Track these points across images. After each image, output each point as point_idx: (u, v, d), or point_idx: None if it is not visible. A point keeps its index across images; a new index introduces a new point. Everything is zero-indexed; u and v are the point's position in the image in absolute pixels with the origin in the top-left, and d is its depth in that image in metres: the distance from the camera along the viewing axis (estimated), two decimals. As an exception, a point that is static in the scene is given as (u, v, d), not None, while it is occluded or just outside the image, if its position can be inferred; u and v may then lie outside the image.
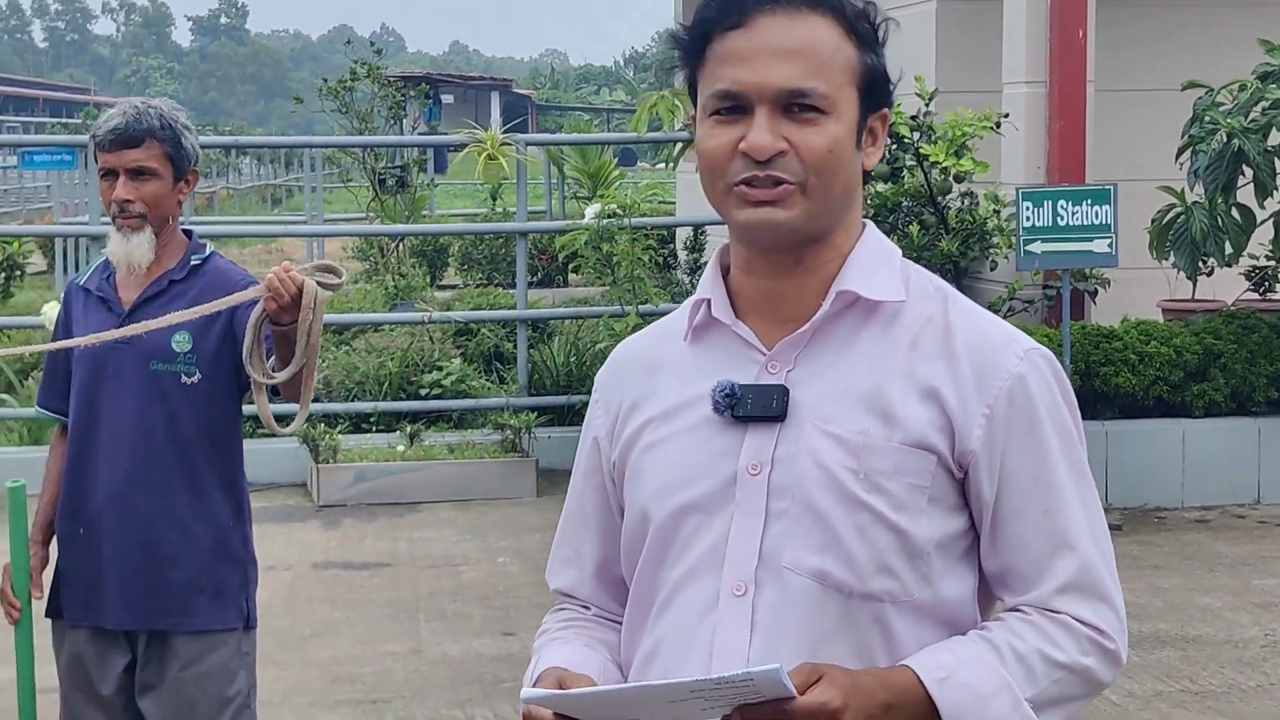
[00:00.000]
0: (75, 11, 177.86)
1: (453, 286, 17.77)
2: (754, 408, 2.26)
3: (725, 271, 2.37)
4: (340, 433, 10.60)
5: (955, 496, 2.27)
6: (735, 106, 2.23)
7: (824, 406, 2.25)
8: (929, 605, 2.25)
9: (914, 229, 10.07)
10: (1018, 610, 2.28)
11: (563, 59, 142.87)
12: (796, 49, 2.22)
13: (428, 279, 17.80)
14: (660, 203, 17.57)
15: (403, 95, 16.89)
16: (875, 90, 2.28)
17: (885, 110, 2.32)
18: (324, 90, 15.15)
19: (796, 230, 2.25)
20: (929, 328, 2.29)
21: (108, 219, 4.47)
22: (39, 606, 4.45)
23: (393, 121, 15.90)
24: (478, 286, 15.78)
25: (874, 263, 2.32)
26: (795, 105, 2.21)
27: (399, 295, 13.51)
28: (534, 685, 2.28)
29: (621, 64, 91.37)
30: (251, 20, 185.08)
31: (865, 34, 2.27)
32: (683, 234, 15.49)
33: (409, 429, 10.69)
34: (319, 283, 4.13)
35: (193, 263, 4.43)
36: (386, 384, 11.26)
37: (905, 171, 10.42)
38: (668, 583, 2.31)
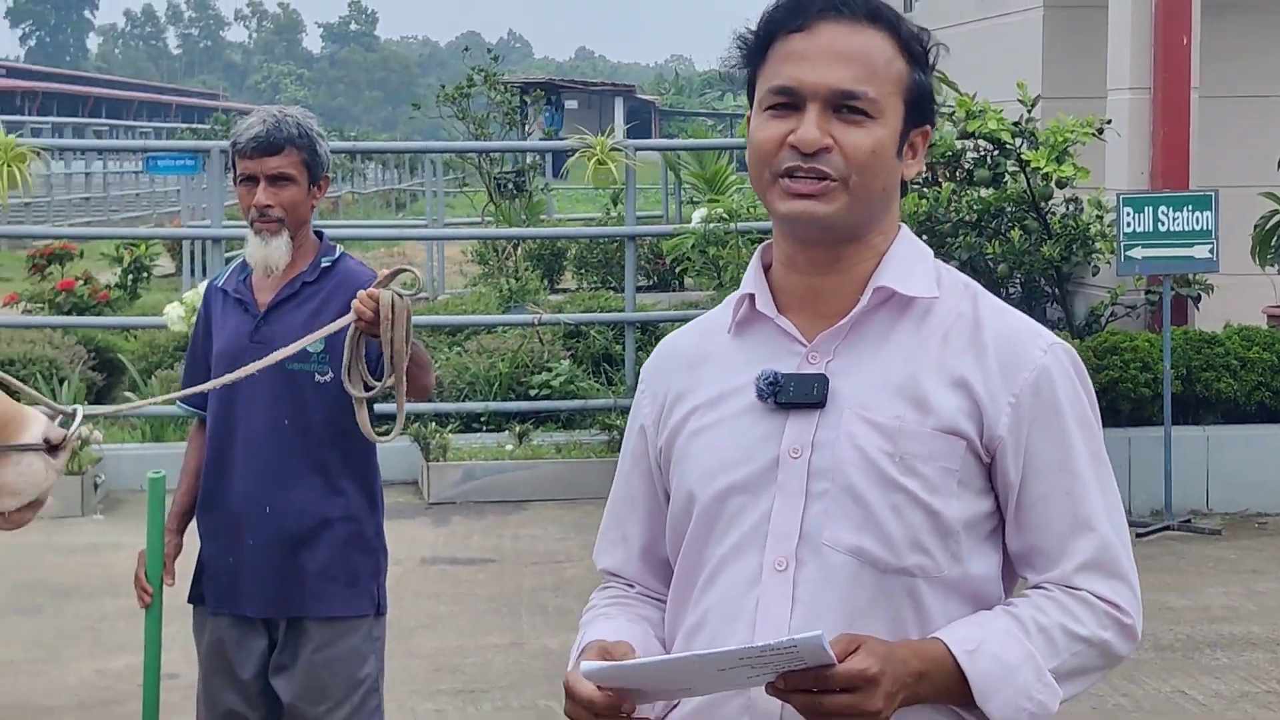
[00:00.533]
0: (208, 18, 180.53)
1: (568, 290, 18.02)
2: (796, 395, 2.41)
3: (767, 268, 2.53)
4: (451, 432, 10.85)
5: (983, 480, 2.41)
6: (789, 103, 2.39)
7: (862, 394, 2.40)
8: (958, 581, 2.40)
9: (1015, 234, 10.16)
10: (1041, 587, 2.42)
11: (688, 64, 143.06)
12: (853, 54, 2.38)
13: (544, 283, 18.06)
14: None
15: (522, 101, 17.14)
16: (920, 106, 2.44)
17: (927, 127, 2.47)
18: (441, 96, 15.43)
19: (835, 225, 2.40)
20: (960, 322, 2.43)
21: (229, 223, 4.69)
22: (169, 593, 4.66)
23: (508, 127, 16.14)
24: (592, 290, 16.01)
25: (909, 262, 2.47)
26: (845, 106, 2.37)
27: (512, 298, 13.75)
28: (579, 658, 2.43)
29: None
30: (381, 27, 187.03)
31: (917, 53, 2.43)
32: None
33: (518, 429, 10.92)
34: (395, 291, 4.36)
35: (323, 265, 4.63)
36: (497, 384, 11.49)
37: (1008, 177, 10.50)
38: (712, 559, 2.45)
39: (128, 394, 11.88)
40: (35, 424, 3.33)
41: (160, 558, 4.62)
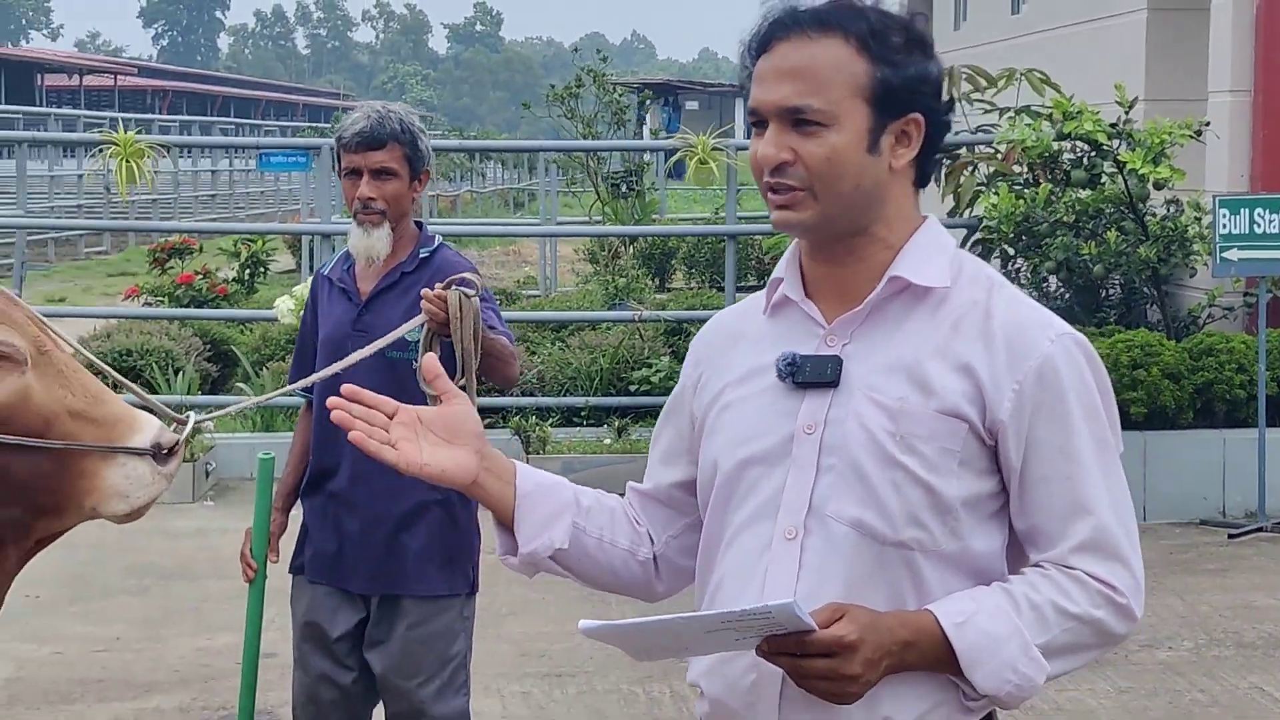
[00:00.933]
0: (336, 19, 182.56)
1: (676, 289, 18.18)
2: (812, 375, 2.57)
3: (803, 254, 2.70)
4: (551, 425, 11.05)
5: (986, 461, 2.54)
6: (760, 121, 2.56)
7: (872, 377, 2.55)
8: (957, 556, 2.53)
9: (1112, 235, 10.19)
10: (1038, 566, 2.54)
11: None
12: (798, 69, 2.52)
13: (654, 281, 18.22)
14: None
15: (639, 101, 17.28)
16: (893, 98, 2.54)
17: (915, 115, 2.57)
18: (551, 97, 15.64)
19: (813, 228, 2.56)
20: (973, 311, 2.56)
21: (339, 218, 4.88)
22: (273, 569, 4.89)
23: (616, 127, 16.32)
24: (699, 289, 16.14)
25: (926, 253, 2.60)
26: (798, 120, 2.52)
27: (618, 295, 13.94)
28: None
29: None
30: (506, 28, 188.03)
31: (878, 50, 2.54)
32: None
33: (617, 423, 11.11)
34: (462, 292, 4.55)
35: (422, 255, 4.82)
36: (598, 380, 11.69)
37: (1105, 178, 10.53)
38: (731, 525, 2.63)
39: (240, 385, 12.19)
40: (147, 429, 3.39)
41: (266, 535, 4.84)
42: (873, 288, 2.58)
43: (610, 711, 6.74)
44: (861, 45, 2.53)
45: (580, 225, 19.39)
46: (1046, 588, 2.50)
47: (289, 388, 4.91)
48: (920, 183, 2.63)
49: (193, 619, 7.95)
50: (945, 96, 2.62)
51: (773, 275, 2.69)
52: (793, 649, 2.39)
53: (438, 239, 4.91)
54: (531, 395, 11.58)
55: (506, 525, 2.73)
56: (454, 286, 4.55)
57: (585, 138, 15.69)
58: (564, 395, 11.64)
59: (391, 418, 2.66)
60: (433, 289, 4.64)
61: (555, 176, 22.14)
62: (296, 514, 4.94)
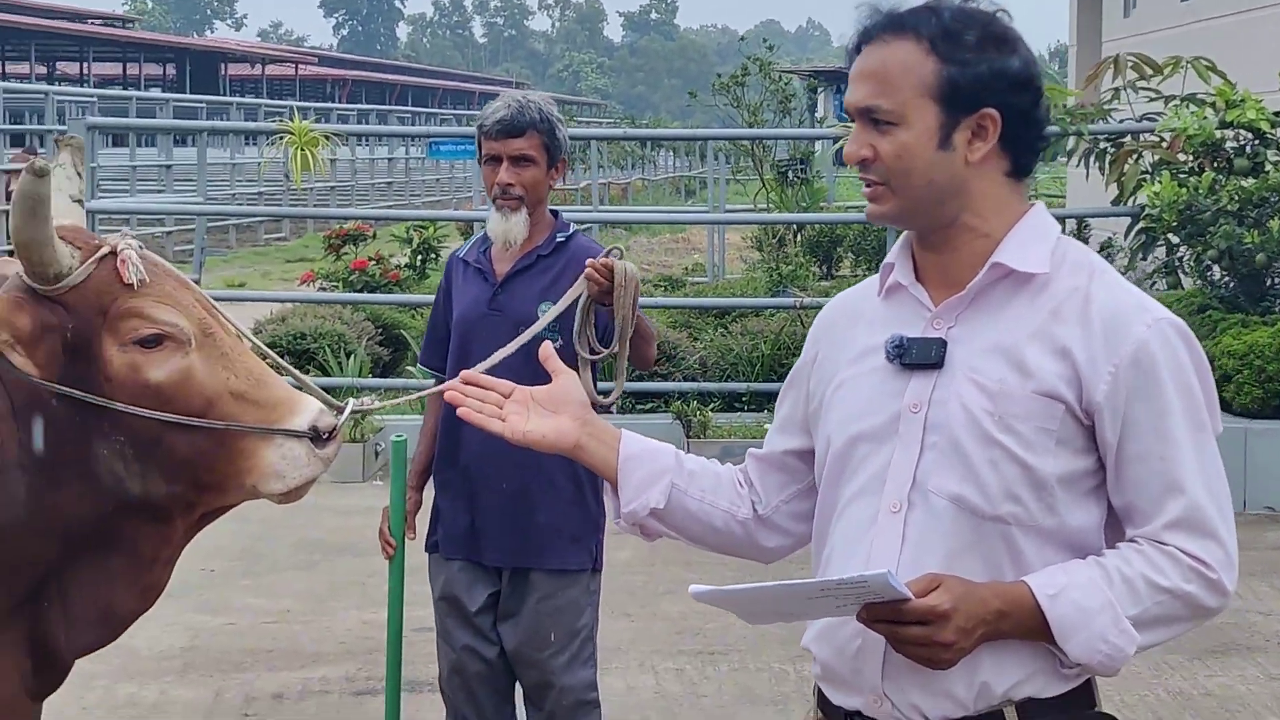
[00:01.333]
0: (513, 8, 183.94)
1: (843, 276, 18.22)
2: (918, 357, 2.71)
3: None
4: (713, 410, 11.19)
5: (1084, 440, 2.65)
6: (853, 120, 2.72)
7: (974, 359, 2.68)
8: (1053, 531, 2.65)
9: (1275, 223, 10.10)
10: (1133, 541, 2.66)
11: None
12: (871, 72, 2.68)
13: (822, 269, 18.27)
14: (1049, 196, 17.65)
15: (809, 88, 17.32)
16: (962, 97, 2.66)
17: (987, 110, 2.66)
18: (717, 85, 15.77)
19: (895, 219, 2.73)
20: (1073, 297, 2.68)
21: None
22: (411, 545, 5.07)
23: (781, 115, 16.41)
24: (865, 276, 16.16)
25: (1028, 240, 2.72)
26: (873, 119, 2.68)
27: (781, 282, 14.05)
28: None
29: (1046, 58, 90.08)
30: (681, 15, 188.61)
31: (946, 50, 2.66)
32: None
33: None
34: (627, 263, 4.72)
35: (558, 240, 4.98)
36: (759, 365, 11.80)
37: (1269, 166, 10.44)
38: (842, 499, 2.78)
39: (410, 369, 12.47)
40: (305, 412, 3.53)
41: (402, 513, 5.03)
42: (975, 274, 2.71)
43: (761, 689, 6.87)
44: (931, 46, 2.66)
45: (746, 212, 19.50)
46: (1139, 562, 2.61)
47: (441, 386, 5.00)
48: (1017, 173, 2.73)
49: (358, 593, 8.21)
50: (1036, 87, 2.70)
51: (885, 260, 2.83)
52: (890, 616, 2.53)
53: (572, 226, 5.06)
54: (693, 380, 11.73)
55: (612, 488, 2.91)
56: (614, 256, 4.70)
57: (750, 126, 15.80)
58: (725, 380, 11.77)
59: (507, 398, 2.90)
60: (567, 273, 4.82)
61: (724, 164, 22.25)
62: (429, 494, 5.12)
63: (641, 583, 8.33)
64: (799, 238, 16.88)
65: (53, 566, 3.45)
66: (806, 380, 2.93)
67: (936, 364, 2.69)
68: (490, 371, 4.83)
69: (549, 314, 4.77)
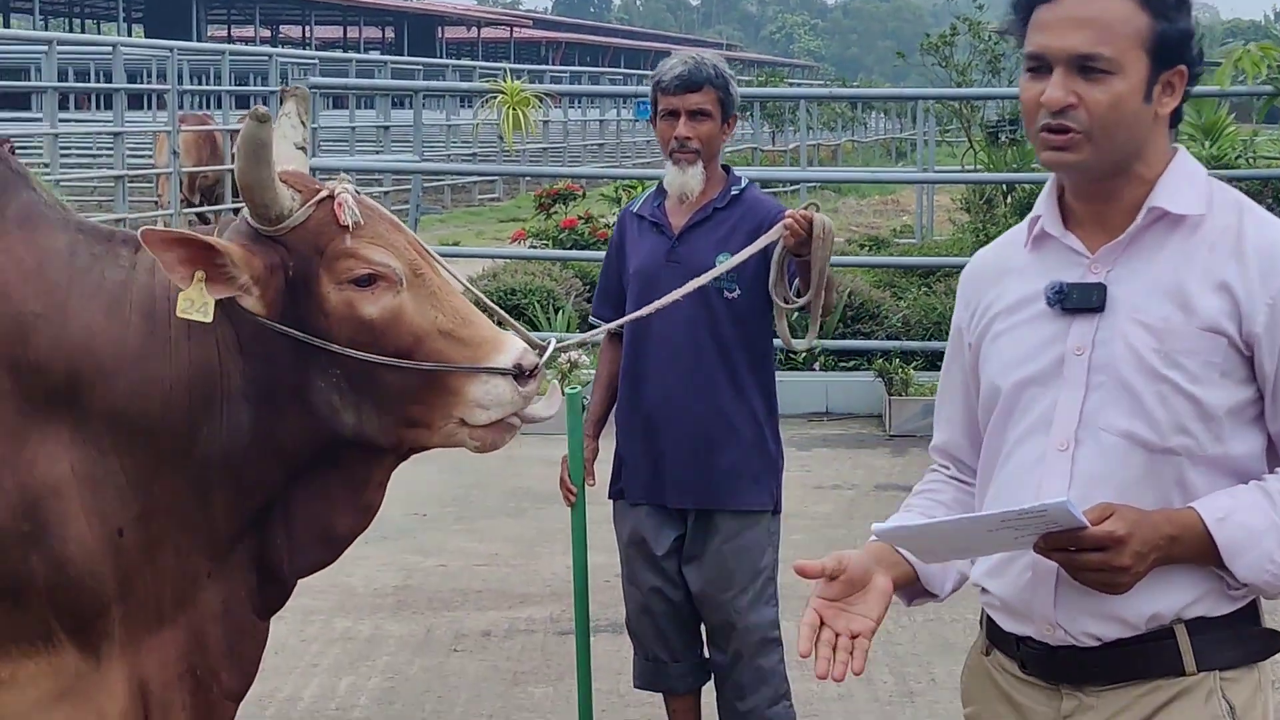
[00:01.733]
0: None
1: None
2: (1079, 301, 2.82)
3: (1062, 191, 2.92)
4: (914, 369, 11.26)
5: (1245, 371, 2.77)
6: (1040, 66, 2.78)
7: (1135, 300, 2.79)
8: (1220, 460, 2.77)
9: None
10: None
11: (1211, 12, 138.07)
12: (1089, 20, 2.74)
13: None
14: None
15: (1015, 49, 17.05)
16: (1167, 51, 2.77)
17: (1181, 67, 2.79)
18: (924, 45, 15.73)
19: (1084, 169, 2.80)
20: (1225, 235, 2.79)
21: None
22: (591, 492, 5.30)
23: (990, 75, 16.31)
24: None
25: (1181, 183, 2.83)
26: (1085, 67, 2.74)
27: (987, 242, 13.99)
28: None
29: (1271, 19, 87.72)
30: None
31: (1156, 5, 2.76)
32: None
33: (979, 367, 11.22)
34: (824, 216, 4.85)
35: (732, 193, 5.12)
36: (963, 324, 11.82)
37: None
38: (1008, 442, 2.90)
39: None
40: (510, 350, 3.66)
41: (581, 461, 5.23)
42: (1131, 219, 2.82)
43: (956, 639, 6.96)
44: (1143, 1, 2.75)
45: (954, 173, 19.42)
46: None
47: (624, 320, 5.02)
48: (1174, 124, 2.85)
49: (564, 540, 8.33)
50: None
51: (1032, 212, 2.93)
52: (1067, 544, 2.66)
53: (745, 179, 5.20)
54: (896, 339, 11.82)
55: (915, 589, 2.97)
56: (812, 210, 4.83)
57: (958, 86, 15.74)
58: (928, 340, 11.83)
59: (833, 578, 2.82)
60: (742, 225, 4.97)
61: (932, 126, 22.16)
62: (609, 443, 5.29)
63: (840, 535, 8.45)
64: (1009, 199, 16.75)
65: (276, 491, 3.67)
66: (963, 345, 3.03)
67: (1098, 308, 2.80)
68: (665, 321, 5.00)
69: (727, 262, 4.91)
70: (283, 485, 3.67)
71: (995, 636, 2.95)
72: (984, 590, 2.93)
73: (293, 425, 3.62)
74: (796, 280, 4.93)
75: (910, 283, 13.07)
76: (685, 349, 5.06)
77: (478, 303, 3.92)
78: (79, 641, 3.58)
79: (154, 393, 3.54)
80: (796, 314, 5.08)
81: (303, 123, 3.82)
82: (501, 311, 4.10)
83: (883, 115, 41.21)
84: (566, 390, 5.26)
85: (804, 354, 11.78)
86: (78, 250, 3.58)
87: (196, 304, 3.50)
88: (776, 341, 5.16)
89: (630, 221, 5.26)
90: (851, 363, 11.90)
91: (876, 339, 11.88)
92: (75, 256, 3.57)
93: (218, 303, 3.52)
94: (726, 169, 5.22)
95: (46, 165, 19.16)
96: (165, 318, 3.56)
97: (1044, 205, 2.91)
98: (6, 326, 3.47)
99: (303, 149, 3.82)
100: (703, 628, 5.30)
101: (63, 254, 3.56)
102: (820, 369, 11.83)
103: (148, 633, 3.66)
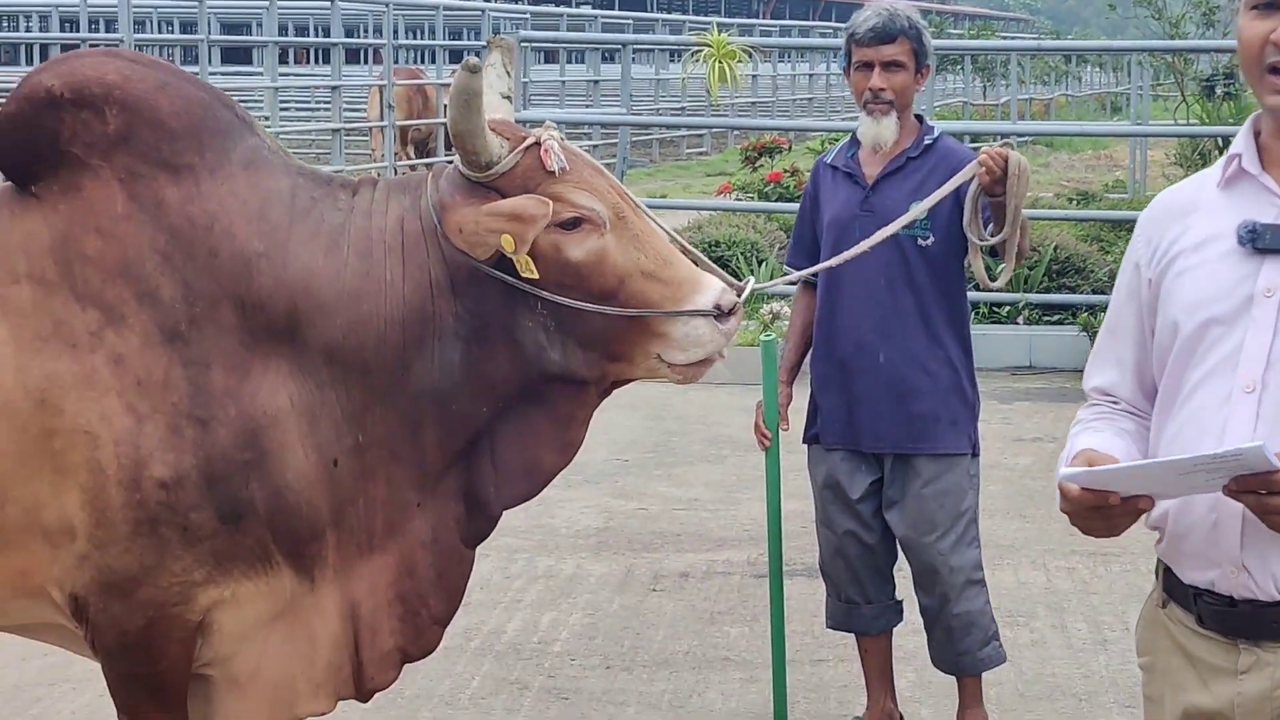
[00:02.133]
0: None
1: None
2: (1272, 242, 2.79)
3: (1258, 133, 2.90)
4: (1118, 323, 11.17)
5: None
6: (1270, 3, 2.75)
7: None
8: None
9: None
10: None
11: None
12: None
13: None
14: None
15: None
16: None
17: None
18: (1138, -2, 15.50)
19: None
20: None
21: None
22: (785, 438, 5.41)
23: (1205, 27, 16.01)
24: None
25: None
26: None
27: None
28: (1069, 465, 2.86)
29: None
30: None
31: None
32: None
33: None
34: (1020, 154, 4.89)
35: (925, 142, 5.18)
36: (1168, 280, 11.70)
37: None
38: (1190, 381, 2.87)
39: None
40: (709, 291, 3.80)
41: (775, 407, 5.35)
42: None
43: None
44: None
45: (1167, 126, 19.12)
46: None
47: (820, 266, 5.10)
48: None
49: (762, 486, 8.41)
50: None
51: (1229, 151, 2.89)
52: (1258, 488, 2.62)
53: (937, 128, 5.25)
54: (1101, 294, 11.72)
55: None
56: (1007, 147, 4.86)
57: (1171, 38, 15.48)
58: (1133, 295, 11.71)
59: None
60: (936, 174, 5.01)
61: (1148, 80, 21.81)
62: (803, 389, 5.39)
63: (1040, 487, 8.48)
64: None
65: (484, 425, 3.83)
66: (1141, 282, 2.98)
67: None
68: (859, 269, 5.06)
69: (921, 205, 4.96)
70: (490, 420, 3.83)
71: (1172, 589, 2.93)
72: (1159, 540, 2.92)
73: (501, 362, 3.77)
74: (990, 224, 4.98)
75: (1119, 237, 12.90)
76: (878, 297, 5.13)
77: (674, 243, 4.04)
78: (295, 565, 3.77)
79: (369, 330, 3.71)
80: (992, 256, 5.12)
81: (507, 72, 3.97)
82: (696, 252, 4.21)
83: (1097, 69, 40.52)
84: (762, 338, 5.40)
85: (1008, 308, 11.76)
86: (298, 193, 3.77)
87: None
88: (976, 296, 5.20)
89: (824, 172, 5.32)
90: (1056, 317, 11.84)
91: (1082, 293, 11.80)
92: (296, 199, 3.75)
93: (429, 242, 3.71)
94: (919, 119, 5.27)
95: (267, 118, 19.68)
96: (381, 259, 3.73)
97: (1243, 144, 2.87)
98: (231, 264, 3.66)
99: (508, 98, 3.97)
100: (895, 570, 5.39)
101: (284, 196, 3.75)
102: (1024, 322, 11.79)
103: (359, 559, 3.84)
